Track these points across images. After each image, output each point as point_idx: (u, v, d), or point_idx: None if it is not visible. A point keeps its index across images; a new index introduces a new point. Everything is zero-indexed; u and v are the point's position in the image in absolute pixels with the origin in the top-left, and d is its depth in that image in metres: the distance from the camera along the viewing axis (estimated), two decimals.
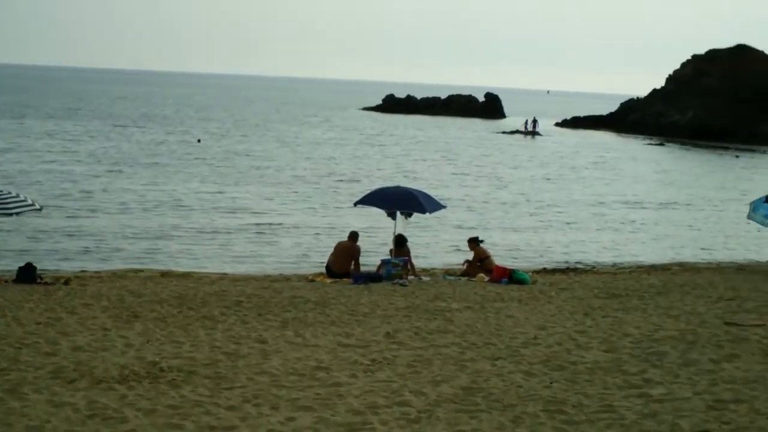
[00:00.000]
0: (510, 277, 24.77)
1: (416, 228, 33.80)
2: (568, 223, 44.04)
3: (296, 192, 50.47)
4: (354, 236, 25.65)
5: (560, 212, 47.84)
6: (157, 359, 13.83)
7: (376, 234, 33.32)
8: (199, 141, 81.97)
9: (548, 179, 64.68)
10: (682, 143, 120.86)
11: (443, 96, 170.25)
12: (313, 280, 24.84)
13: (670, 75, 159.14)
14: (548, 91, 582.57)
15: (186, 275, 26.48)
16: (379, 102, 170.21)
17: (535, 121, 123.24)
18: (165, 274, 26.48)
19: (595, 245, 38.10)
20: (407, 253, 25.47)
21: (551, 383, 12.62)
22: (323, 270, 25.92)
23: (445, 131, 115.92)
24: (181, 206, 43.05)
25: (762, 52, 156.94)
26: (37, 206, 24.14)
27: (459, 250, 31.52)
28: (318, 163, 67.27)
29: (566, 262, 33.00)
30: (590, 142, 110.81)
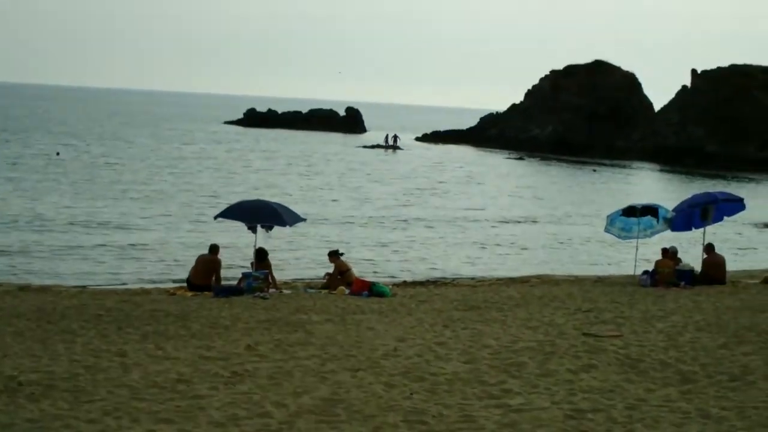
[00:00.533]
0: (370, 289, 24.82)
1: (277, 241, 33.74)
2: (429, 237, 44.44)
3: (158, 206, 49.91)
4: (214, 249, 25.42)
5: (422, 226, 48.25)
6: (15, 373, 13.51)
7: (237, 247, 33.14)
8: (58, 154, 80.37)
9: (411, 194, 65.14)
10: (542, 157, 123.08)
11: (304, 110, 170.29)
12: (173, 294, 24.55)
13: (528, 90, 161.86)
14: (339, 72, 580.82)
15: (44, 289, 25.89)
16: (241, 116, 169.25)
17: (395, 136, 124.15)
18: (23, 288, 25.83)
19: (457, 258, 38.54)
20: (268, 266, 25.35)
21: (411, 394, 12.69)
22: (184, 283, 25.65)
23: (309, 145, 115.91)
24: (41, 221, 42.17)
25: (618, 68, 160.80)
26: None
27: (320, 263, 31.53)
28: (180, 177, 66.61)
29: (430, 276, 33.24)
30: (451, 157, 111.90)
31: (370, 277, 28.32)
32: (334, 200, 58.38)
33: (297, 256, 36.03)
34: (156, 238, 39.46)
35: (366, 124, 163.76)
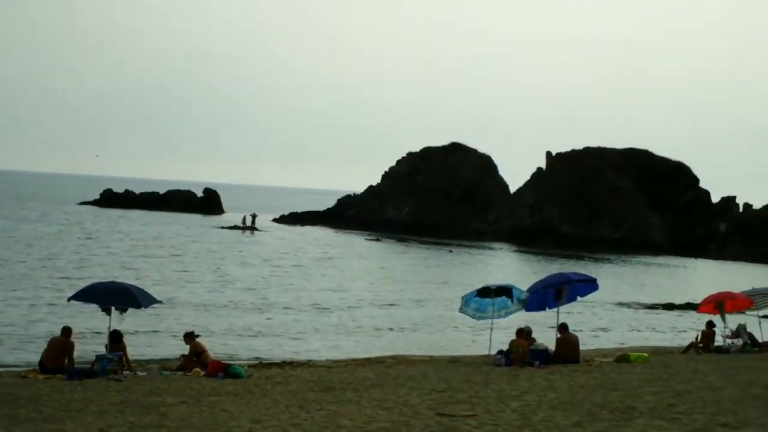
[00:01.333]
0: (225, 371, 24.61)
1: (132, 323, 33.22)
2: (287, 319, 44.31)
3: (12, 288, 48.69)
4: (67, 331, 24.92)
5: (280, 308, 48.08)
6: None
7: (91, 329, 32.52)
8: None
9: (271, 275, 64.89)
10: (399, 239, 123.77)
11: (161, 191, 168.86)
12: (25, 377, 23.93)
13: (386, 171, 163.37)
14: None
15: None
16: (97, 196, 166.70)
17: (254, 216, 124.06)
18: None
19: (314, 340, 38.47)
20: (123, 348, 24.92)
21: None
22: (37, 366, 25.02)
23: (167, 226, 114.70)
24: None
25: (474, 150, 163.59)
26: None
27: (176, 344, 31.10)
28: (36, 259, 65.13)
29: (286, 358, 33.01)
30: (309, 238, 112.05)
31: (225, 359, 28.04)
32: (193, 282, 57.76)
33: (152, 339, 35.48)
34: (9, 318, 38.47)
35: (224, 205, 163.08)
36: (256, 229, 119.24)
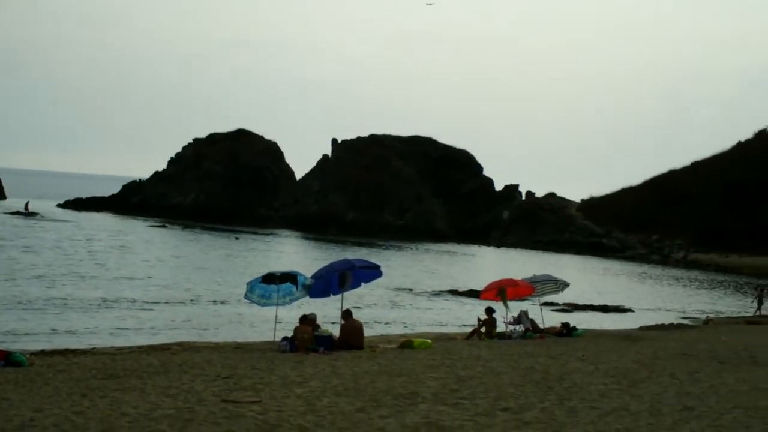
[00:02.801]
0: (6, 359, 23.75)
1: None
2: (73, 305, 43.13)
3: None
4: None
5: (66, 295, 46.74)
6: None
7: None
8: None
9: (62, 263, 62.97)
10: (185, 225, 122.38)
11: None
12: None
13: (172, 157, 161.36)
14: None
15: None
16: None
17: (27, 203, 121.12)
18: None
19: (100, 327, 37.56)
20: None
21: None
22: None
23: None
24: None
25: (261, 137, 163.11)
26: None
27: None
28: None
29: (69, 345, 32.05)
30: (95, 225, 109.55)
31: (4, 346, 26.99)
32: None
33: None
34: None
35: (6, 190, 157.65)
36: (35, 214, 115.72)
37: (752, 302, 57.35)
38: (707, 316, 49.30)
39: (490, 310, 33.59)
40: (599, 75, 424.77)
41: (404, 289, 60.29)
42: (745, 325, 43.11)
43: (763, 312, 54.21)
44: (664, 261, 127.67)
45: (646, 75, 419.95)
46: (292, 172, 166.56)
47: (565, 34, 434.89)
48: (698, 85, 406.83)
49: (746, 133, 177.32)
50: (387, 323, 43.05)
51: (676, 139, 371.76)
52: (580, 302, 55.10)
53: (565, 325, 34.66)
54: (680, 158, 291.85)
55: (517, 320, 34.42)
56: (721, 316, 53.10)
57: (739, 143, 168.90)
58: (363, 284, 32.57)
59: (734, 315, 54.47)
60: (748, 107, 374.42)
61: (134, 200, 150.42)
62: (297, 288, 30.62)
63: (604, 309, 54.26)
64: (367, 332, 30.84)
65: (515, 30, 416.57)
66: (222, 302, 47.90)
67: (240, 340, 33.69)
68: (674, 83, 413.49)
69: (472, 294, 54.00)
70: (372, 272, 31.61)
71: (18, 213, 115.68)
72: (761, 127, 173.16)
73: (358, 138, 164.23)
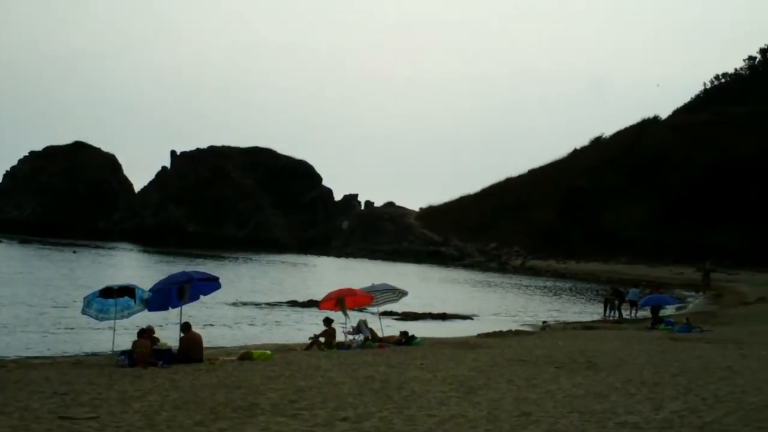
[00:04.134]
0: None
1: None
2: None
3: None
4: None
5: None
6: None
7: None
8: None
9: None
10: (22, 240, 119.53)
11: None
12: None
13: (7, 171, 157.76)
14: None
15: None
16: None
17: None
18: None
19: None
20: None
21: None
22: None
23: None
24: None
25: (98, 149, 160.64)
26: None
27: None
28: None
29: None
30: None
31: None
32: None
33: None
34: None
35: None
36: None
37: (609, 312, 58.28)
38: (544, 322, 50.30)
39: (328, 321, 33.72)
40: (438, 82, 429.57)
41: (245, 301, 60.03)
42: (582, 330, 44.17)
43: (612, 317, 55.59)
44: (503, 268, 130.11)
45: (477, 83, 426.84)
46: (131, 185, 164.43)
47: (399, 43, 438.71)
48: (535, 93, 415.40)
49: (582, 140, 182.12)
50: (227, 335, 42.80)
51: (513, 147, 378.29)
52: (419, 311, 55.67)
53: (404, 333, 35.01)
54: (518, 166, 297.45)
55: (357, 330, 34.65)
56: (559, 321, 54.26)
57: (575, 150, 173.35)
58: (202, 297, 32.42)
59: (571, 320, 55.68)
60: (584, 115, 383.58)
61: None
62: (135, 302, 30.29)
63: (443, 317, 54.93)
64: (207, 344, 30.69)
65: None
66: (59, 317, 46.88)
67: (78, 355, 33.11)
68: (511, 91, 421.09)
69: (312, 304, 54.08)
70: (210, 284, 31.49)
71: None
72: (597, 134, 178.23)
73: (197, 149, 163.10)
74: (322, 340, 33.05)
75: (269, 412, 17.35)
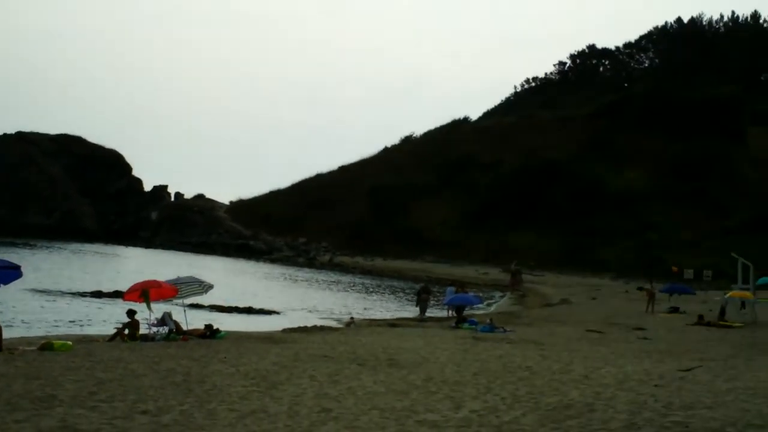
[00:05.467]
0: None
1: None
2: None
3: None
4: None
5: None
6: None
7: None
8: None
9: None
10: None
11: None
12: None
13: None
14: None
15: None
16: None
17: None
18: None
19: None
20: None
21: None
22: None
23: None
24: None
25: None
26: None
27: None
28: None
29: None
30: None
31: None
32: None
33: None
34: None
35: None
36: None
37: (415, 305, 58.74)
38: (350, 318, 50.75)
39: (132, 312, 33.31)
40: (244, 78, 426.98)
41: (48, 290, 58.67)
42: (387, 327, 44.68)
43: (426, 315, 56.16)
44: (311, 263, 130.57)
45: (292, 77, 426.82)
46: None
47: (209, 36, 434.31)
48: (342, 90, 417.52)
49: (393, 138, 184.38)
50: (28, 324, 41.79)
51: (325, 143, 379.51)
52: (226, 304, 55.45)
53: (209, 327, 34.86)
54: (329, 163, 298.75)
55: (161, 322, 34.34)
56: (364, 318, 54.75)
57: (386, 148, 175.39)
58: (2, 285, 31.54)
59: (376, 317, 56.25)
60: (396, 114, 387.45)
61: None
62: None
63: (249, 311, 54.88)
64: (7, 334, 29.92)
65: (184, 33, 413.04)
66: None
67: None
68: (318, 87, 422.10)
69: (117, 295, 53.21)
70: (11, 272, 30.62)
71: None
72: (407, 132, 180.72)
73: (4, 135, 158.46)
74: (126, 331, 32.64)
75: (67, 404, 17.10)
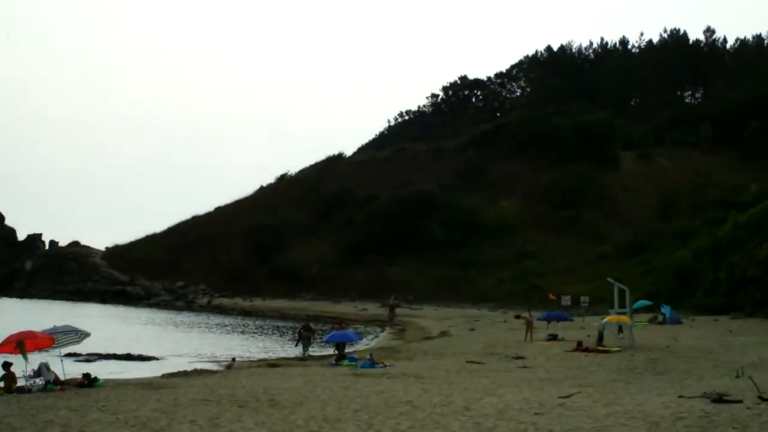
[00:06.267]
0: None
1: None
2: None
3: None
4: None
5: None
6: None
7: None
8: None
9: None
10: None
11: None
12: None
13: None
14: None
15: None
16: None
17: None
18: None
19: None
20: None
21: None
22: None
23: None
24: None
25: None
26: None
27: None
28: None
29: None
30: None
31: None
32: None
33: None
34: None
35: None
36: None
37: (295, 345, 58.31)
38: (231, 360, 50.44)
39: (7, 364, 32.70)
40: (116, 118, 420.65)
41: None
42: (267, 367, 44.52)
43: (308, 353, 55.79)
44: (190, 306, 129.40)
45: (166, 118, 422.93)
46: None
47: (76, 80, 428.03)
48: (216, 130, 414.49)
49: (268, 177, 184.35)
50: None
51: (200, 184, 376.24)
52: (104, 351, 54.66)
53: (87, 375, 34.35)
54: (204, 204, 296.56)
55: (38, 373, 33.73)
56: (245, 359, 54.49)
57: (262, 188, 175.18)
58: None
59: (256, 358, 56.00)
60: (270, 152, 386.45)
61: None
62: None
63: (128, 357, 54.19)
64: None
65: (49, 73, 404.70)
66: None
67: None
68: (192, 127, 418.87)
69: None
70: None
71: None
72: (283, 171, 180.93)
73: None
74: (1, 384, 32.00)
75: None
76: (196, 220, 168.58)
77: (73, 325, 38.63)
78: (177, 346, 65.51)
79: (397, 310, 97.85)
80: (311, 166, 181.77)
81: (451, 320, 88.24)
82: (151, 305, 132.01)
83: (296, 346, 57.97)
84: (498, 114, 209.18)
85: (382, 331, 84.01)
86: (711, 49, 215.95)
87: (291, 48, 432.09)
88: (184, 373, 40.72)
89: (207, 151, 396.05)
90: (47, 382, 33.16)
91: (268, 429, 20.63)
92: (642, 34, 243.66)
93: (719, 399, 23.29)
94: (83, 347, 45.41)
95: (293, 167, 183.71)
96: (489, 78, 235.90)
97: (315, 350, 57.24)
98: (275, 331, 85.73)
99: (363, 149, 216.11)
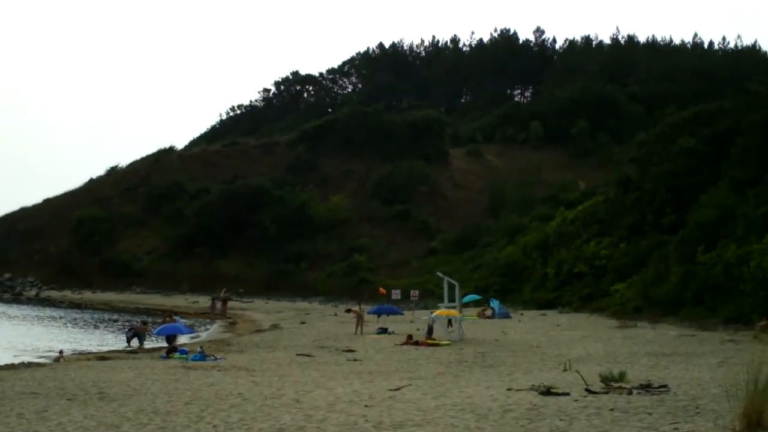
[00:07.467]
0: None
1: None
2: None
3: None
4: None
5: None
6: None
7: None
8: None
9: None
10: None
11: None
12: None
13: None
14: None
15: None
16: None
17: None
18: None
19: None
20: None
21: None
22: None
23: None
24: None
25: None
26: None
27: None
28: None
29: None
30: None
31: None
32: None
33: None
34: None
35: None
36: None
37: (128, 343, 57.22)
38: (60, 353, 49.60)
39: None
40: None
41: None
42: (96, 360, 43.95)
43: (137, 346, 54.92)
44: (17, 299, 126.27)
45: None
46: None
47: None
48: (45, 121, 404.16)
49: (99, 169, 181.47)
50: None
51: (28, 175, 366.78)
52: None
53: None
54: (33, 196, 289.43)
55: None
56: (75, 351, 53.59)
57: (91, 180, 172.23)
58: None
59: (86, 351, 55.15)
60: (99, 144, 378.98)
61: None
62: None
63: None
64: None
65: None
66: None
67: None
68: (29, 115, 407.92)
69: None
70: None
71: None
72: (113, 163, 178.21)
73: None
74: None
75: None
76: (24, 211, 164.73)
77: None
78: (3, 339, 63.99)
79: (229, 303, 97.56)
80: (142, 159, 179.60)
81: (282, 313, 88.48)
82: None
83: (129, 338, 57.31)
84: (330, 109, 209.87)
85: (213, 324, 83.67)
86: (540, 49, 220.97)
87: (125, 35, 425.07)
88: (11, 366, 39.93)
89: (34, 142, 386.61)
90: None
91: (97, 422, 20.55)
92: (473, 33, 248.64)
93: (547, 391, 23.94)
94: None
95: (124, 160, 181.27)
96: (321, 74, 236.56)
97: (147, 344, 56.80)
98: (105, 324, 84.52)
99: (195, 143, 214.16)
